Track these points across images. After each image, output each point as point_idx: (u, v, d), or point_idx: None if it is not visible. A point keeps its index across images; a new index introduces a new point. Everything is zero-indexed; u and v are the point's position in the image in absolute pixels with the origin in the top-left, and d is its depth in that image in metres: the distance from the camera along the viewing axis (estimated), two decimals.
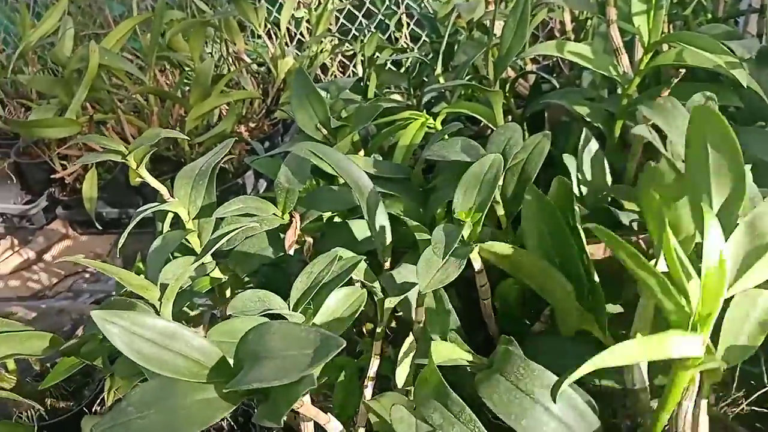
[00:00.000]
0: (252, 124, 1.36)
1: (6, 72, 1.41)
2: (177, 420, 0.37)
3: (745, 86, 0.62)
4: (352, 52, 1.78)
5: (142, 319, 0.37)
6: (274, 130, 1.41)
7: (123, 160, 0.59)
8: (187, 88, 1.22)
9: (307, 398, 0.55)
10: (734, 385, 0.65)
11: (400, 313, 0.67)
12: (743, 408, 0.65)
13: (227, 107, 1.31)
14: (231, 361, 0.39)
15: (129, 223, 1.26)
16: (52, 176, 1.26)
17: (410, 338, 0.51)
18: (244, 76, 1.30)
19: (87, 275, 1.29)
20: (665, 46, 0.71)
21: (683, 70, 0.64)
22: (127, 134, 1.22)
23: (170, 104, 1.24)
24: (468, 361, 0.50)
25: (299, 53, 1.52)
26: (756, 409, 0.65)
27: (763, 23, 0.93)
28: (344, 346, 0.34)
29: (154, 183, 0.62)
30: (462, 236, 0.55)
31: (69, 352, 0.58)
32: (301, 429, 0.54)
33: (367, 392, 0.58)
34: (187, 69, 1.29)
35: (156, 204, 0.63)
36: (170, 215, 0.70)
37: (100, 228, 1.27)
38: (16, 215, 1.46)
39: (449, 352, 0.49)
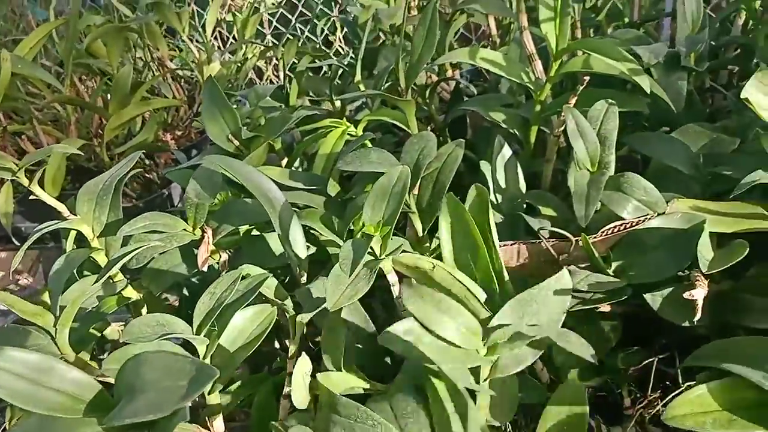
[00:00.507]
0: (178, 132, 1.33)
1: None
2: None
3: (648, 92, 0.63)
4: None
5: (13, 354, 0.35)
6: (201, 137, 1.37)
7: (14, 177, 0.56)
8: (109, 95, 1.18)
9: (218, 421, 0.54)
10: (650, 386, 0.67)
11: None
12: (659, 409, 0.67)
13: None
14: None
15: (49, 237, 1.20)
16: None
17: (303, 358, 0.50)
18: (165, 83, 1.27)
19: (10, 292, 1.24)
20: (579, 52, 0.72)
21: (588, 77, 0.65)
22: (44, 145, 1.17)
23: (90, 113, 1.19)
24: (364, 389, 0.49)
25: (231, 57, 1.49)
26: None
27: (675, 28, 0.96)
28: (213, 377, 0.33)
29: (49, 200, 0.59)
30: (372, 250, 0.55)
31: None
32: None
33: (282, 411, 0.57)
34: (107, 76, 1.25)
35: (55, 222, 0.60)
36: (74, 233, 0.67)
37: (17, 244, 1.21)
38: None
39: (342, 381, 0.48)
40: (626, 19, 1.03)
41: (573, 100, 0.63)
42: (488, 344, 0.49)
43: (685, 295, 0.48)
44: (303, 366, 0.49)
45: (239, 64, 1.41)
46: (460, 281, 0.53)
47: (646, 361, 0.67)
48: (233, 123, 0.71)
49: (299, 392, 0.48)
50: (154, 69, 1.35)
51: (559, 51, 0.66)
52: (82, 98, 1.19)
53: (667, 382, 0.67)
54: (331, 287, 0.51)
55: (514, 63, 0.71)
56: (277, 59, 1.78)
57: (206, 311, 0.50)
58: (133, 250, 0.55)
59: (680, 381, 0.65)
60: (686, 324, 0.56)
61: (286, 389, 0.57)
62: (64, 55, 1.18)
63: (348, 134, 0.81)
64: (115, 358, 0.46)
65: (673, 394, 0.63)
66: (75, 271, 0.64)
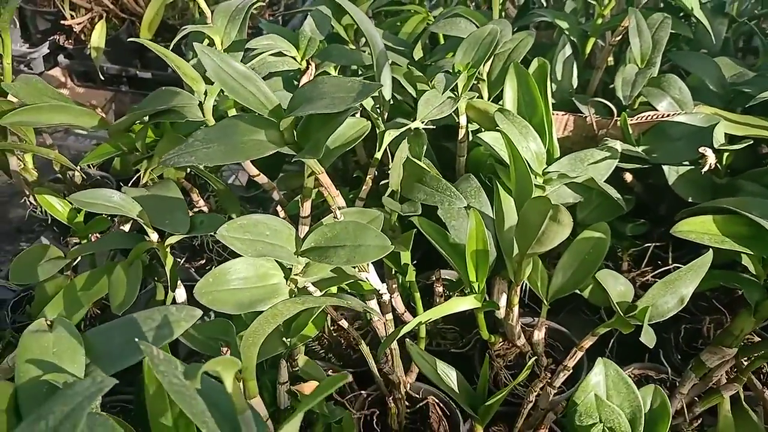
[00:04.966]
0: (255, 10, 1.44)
1: None
2: (234, 151, 0.49)
3: (695, 16, 0.76)
4: None
5: (228, 60, 0.49)
6: (273, 19, 1.50)
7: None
8: None
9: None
10: (644, 261, 0.82)
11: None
12: (648, 279, 0.81)
13: None
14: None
15: (127, 80, 1.34)
16: (62, 22, 1.31)
17: (403, 144, 0.63)
18: None
19: None
20: None
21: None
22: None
23: None
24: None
25: None
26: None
27: None
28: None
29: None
30: (456, 85, 0.68)
31: (117, 130, 0.68)
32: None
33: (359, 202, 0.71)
34: None
35: (198, 25, 0.73)
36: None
37: (100, 80, 1.33)
38: (17, 57, 1.51)
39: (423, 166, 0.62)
40: None
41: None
42: (546, 177, 0.63)
43: (700, 149, 0.61)
44: (402, 151, 0.62)
45: None
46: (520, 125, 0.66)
47: (645, 245, 0.82)
48: None
49: (396, 172, 0.62)
50: None
51: None
52: None
53: (659, 262, 0.82)
54: (422, 106, 0.65)
55: None
56: None
57: None
58: (255, 56, 0.68)
59: (670, 262, 0.80)
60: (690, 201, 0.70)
61: (363, 193, 0.71)
62: None
63: (426, 22, 0.93)
64: None
65: (663, 269, 0.77)
66: None
